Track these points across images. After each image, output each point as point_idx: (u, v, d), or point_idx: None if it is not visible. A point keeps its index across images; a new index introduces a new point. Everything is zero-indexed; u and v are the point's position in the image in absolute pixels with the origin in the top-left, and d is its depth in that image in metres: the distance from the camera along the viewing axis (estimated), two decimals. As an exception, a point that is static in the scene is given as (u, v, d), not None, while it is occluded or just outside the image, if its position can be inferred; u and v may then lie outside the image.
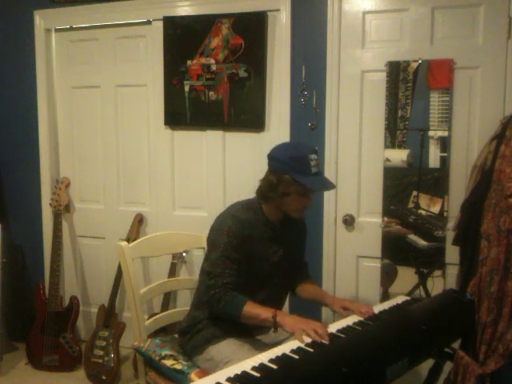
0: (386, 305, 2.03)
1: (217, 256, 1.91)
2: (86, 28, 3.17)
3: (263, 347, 1.97)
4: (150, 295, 2.30)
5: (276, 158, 1.94)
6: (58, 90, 3.30)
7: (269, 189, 1.95)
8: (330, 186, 1.99)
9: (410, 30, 2.53)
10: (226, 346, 1.93)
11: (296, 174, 1.87)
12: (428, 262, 2.60)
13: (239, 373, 1.40)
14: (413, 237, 2.61)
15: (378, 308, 1.98)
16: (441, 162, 2.58)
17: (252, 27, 2.75)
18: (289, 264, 2.11)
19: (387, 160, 2.61)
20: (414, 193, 2.63)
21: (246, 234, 1.95)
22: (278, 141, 2.70)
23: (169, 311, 2.45)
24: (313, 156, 1.90)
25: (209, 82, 2.86)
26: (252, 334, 2.05)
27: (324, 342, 1.63)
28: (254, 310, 1.84)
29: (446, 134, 2.51)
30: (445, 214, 2.52)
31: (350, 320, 1.85)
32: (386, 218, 2.62)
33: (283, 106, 2.76)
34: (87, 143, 3.28)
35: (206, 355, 1.96)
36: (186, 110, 2.93)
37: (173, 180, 3.09)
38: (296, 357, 1.52)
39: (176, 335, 2.22)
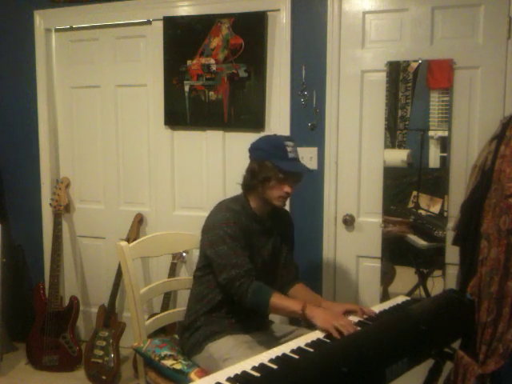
0: (386, 305, 2.02)
1: (227, 247, 1.93)
2: (86, 28, 3.17)
3: (262, 343, 1.99)
4: (150, 295, 2.30)
5: (256, 147, 2.05)
6: (58, 89, 3.30)
7: (251, 177, 2.03)
8: (304, 169, 2.05)
9: (410, 30, 2.53)
10: (225, 343, 1.94)
11: (275, 159, 1.96)
12: (428, 261, 2.60)
13: (239, 373, 1.40)
14: (413, 237, 2.61)
15: (377, 308, 1.98)
16: (441, 162, 2.58)
17: (252, 27, 2.75)
18: (277, 260, 2.15)
19: (387, 160, 2.61)
20: (414, 193, 2.63)
21: (243, 222, 2.00)
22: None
23: (169, 311, 2.45)
24: (289, 143, 2.01)
25: (209, 81, 2.86)
26: (250, 330, 2.05)
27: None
28: (282, 301, 1.87)
29: (445, 134, 2.51)
30: (445, 214, 2.52)
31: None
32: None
33: (283, 106, 2.77)
34: (87, 143, 3.28)
35: (204, 353, 1.97)
36: (186, 109, 2.93)
37: (173, 180, 3.09)
38: (296, 357, 1.51)
39: (175, 335, 2.23)
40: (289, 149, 1.98)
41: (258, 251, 2.06)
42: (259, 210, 2.08)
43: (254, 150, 2.06)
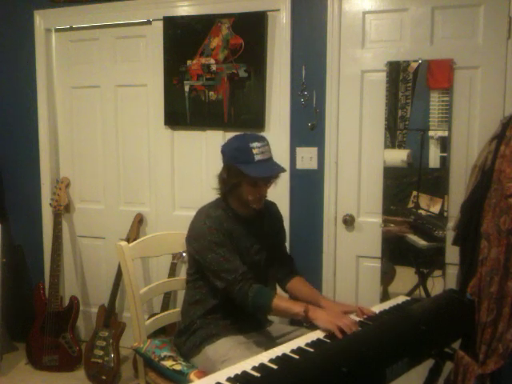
0: (386, 305, 2.02)
1: (216, 254, 1.89)
2: (86, 28, 3.17)
3: (260, 344, 1.98)
4: (150, 295, 2.30)
5: (223, 152, 1.98)
6: (58, 89, 3.30)
7: (222, 183, 1.99)
8: (274, 171, 1.93)
9: (410, 30, 2.53)
10: (222, 345, 1.93)
11: (240, 164, 1.88)
12: (428, 261, 2.60)
13: (239, 373, 1.40)
14: (413, 237, 2.61)
15: (377, 308, 1.97)
16: (441, 162, 2.58)
17: (252, 27, 2.75)
18: (269, 257, 2.10)
19: (387, 160, 2.61)
20: (414, 193, 2.63)
21: (226, 227, 1.95)
22: (278, 141, 2.74)
23: (169, 311, 2.45)
24: (255, 144, 1.89)
25: (209, 81, 2.86)
26: (247, 331, 2.04)
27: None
28: (284, 303, 1.85)
29: (445, 134, 2.51)
30: (445, 214, 2.52)
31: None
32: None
33: (283, 106, 2.76)
34: (87, 143, 3.27)
35: (202, 355, 1.96)
36: (186, 109, 2.93)
37: (173, 180, 3.09)
38: (296, 357, 1.51)
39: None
40: (255, 151, 1.87)
41: (246, 252, 2.01)
42: (242, 211, 2.02)
43: (223, 154, 1.98)
